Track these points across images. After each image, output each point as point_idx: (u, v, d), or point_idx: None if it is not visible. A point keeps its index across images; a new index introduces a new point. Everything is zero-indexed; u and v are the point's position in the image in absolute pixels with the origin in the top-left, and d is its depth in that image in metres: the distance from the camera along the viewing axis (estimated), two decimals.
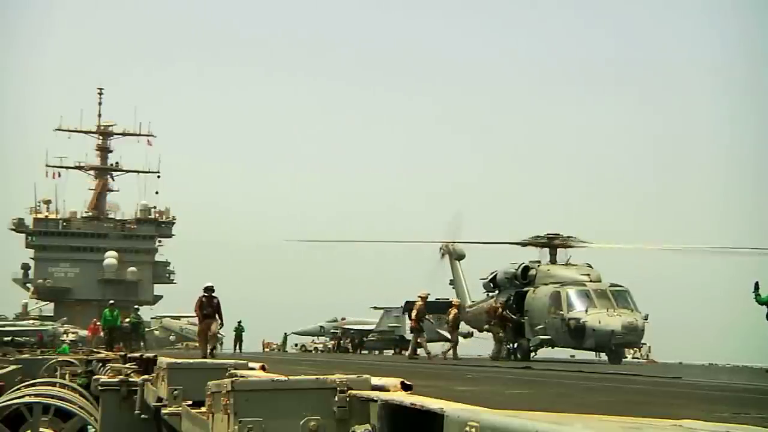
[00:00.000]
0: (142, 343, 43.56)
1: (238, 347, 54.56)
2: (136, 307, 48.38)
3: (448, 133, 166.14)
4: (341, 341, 67.78)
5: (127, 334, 44.59)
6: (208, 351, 23.11)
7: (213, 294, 23.41)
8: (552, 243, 32.65)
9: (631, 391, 8.65)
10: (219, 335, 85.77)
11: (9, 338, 59.30)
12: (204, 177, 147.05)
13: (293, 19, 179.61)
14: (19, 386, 16.36)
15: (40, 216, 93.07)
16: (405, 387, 3.74)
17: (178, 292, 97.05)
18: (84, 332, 64.24)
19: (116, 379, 10.99)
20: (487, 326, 31.48)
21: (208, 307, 23.31)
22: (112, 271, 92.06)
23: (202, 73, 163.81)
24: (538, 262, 32.72)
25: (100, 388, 11.23)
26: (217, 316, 23.37)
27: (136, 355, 14.07)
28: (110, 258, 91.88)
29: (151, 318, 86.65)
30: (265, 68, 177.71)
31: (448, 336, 60.28)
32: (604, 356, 29.88)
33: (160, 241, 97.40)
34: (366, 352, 59.98)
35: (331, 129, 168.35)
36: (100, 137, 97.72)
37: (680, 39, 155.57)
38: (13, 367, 20.60)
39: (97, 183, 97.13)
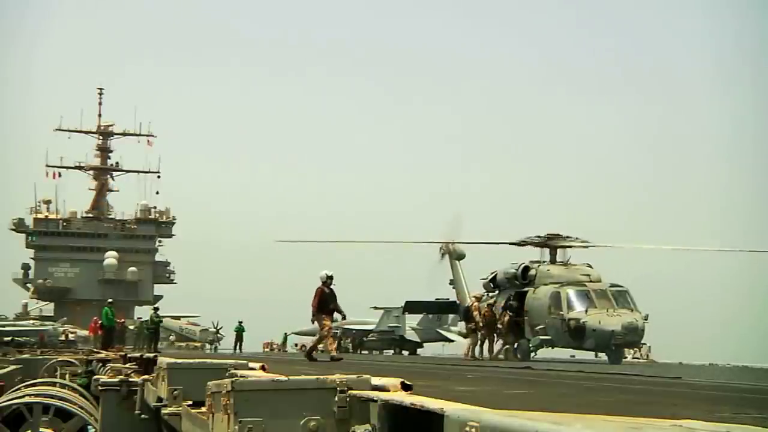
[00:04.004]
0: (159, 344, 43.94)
1: (238, 347, 54.62)
2: (156, 307, 48.34)
3: (448, 132, 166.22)
4: (341, 341, 67.77)
5: (122, 334, 44.81)
6: (314, 351, 20.82)
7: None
8: (552, 243, 32.65)
9: (631, 391, 8.64)
10: (220, 335, 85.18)
11: (9, 338, 59.24)
12: (204, 177, 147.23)
13: (293, 19, 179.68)
14: (19, 386, 16.34)
15: (40, 216, 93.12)
16: (405, 387, 3.74)
17: (178, 292, 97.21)
18: (84, 332, 64.27)
19: (116, 379, 10.97)
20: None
21: (334, 300, 20.42)
22: (112, 271, 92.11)
23: (202, 73, 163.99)
24: (538, 262, 32.72)
25: (100, 388, 11.21)
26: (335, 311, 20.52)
27: (136, 355, 14.08)
28: (110, 258, 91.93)
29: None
30: (265, 68, 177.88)
31: (448, 336, 60.35)
32: (603, 356, 29.89)
33: (160, 241, 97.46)
34: (366, 352, 59.98)
35: (331, 129, 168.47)
36: (100, 137, 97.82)
37: (681, 39, 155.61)
38: (13, 367, 20.56)
39: (97, 184, 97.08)
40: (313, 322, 21.23)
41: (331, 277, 20.34)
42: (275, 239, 47.44)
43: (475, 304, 31.12)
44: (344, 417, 3.84)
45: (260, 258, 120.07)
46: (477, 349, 30.72)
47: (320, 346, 23.47)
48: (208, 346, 78.94)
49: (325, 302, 20.14)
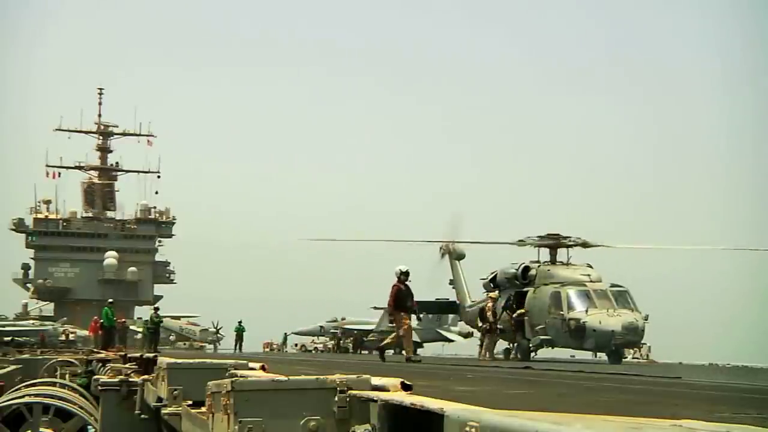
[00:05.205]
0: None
1: (238, 347, 54.70)
2: (156, 307, 48.26)
3: (448, 132, 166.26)
4: (341, 341, 67.76)
5: (123, 334, 44.84)
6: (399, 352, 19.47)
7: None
8: (552, 243, 32.63)
9: (631, 391, 8.64)
10: (220, 335, 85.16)
11: (9, 338, 59.24)
12: (204, 177, 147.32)
13: (293, 19, 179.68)
14: (19, 386, 16.33)
15: (40, 216, 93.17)
16: (405, 387, 3.74)
17: (178, 292, 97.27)
18: (84, 332, 64.27)
19: (116, 379, 10.96)
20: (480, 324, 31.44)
21: (411, 298, 19.06)
22: (112, 271, 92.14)
23: (202, 73, 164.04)
24: (538, 262, 32.70)
25: (100, 388, 11.20)
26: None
27: (136, 354, 14.07)
28: (110, 258, 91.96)
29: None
30: (265, 68, 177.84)
31: (448, 336, 60.32)
32: (603, 356, 29.88)
33: (160, 241, 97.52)
34: (366, 352, 59.96)
35: (331, 129, 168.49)
36: (100, 137, 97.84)
37: (681, 38, 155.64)
38: (13, 367, 20.57)
39: (83, 183, 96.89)
40: (391, 322, 19.95)
41: (406, 273, 19.17)
42: (298, 238, 47.57)
43: (489, 304, 30.84)
44: (344, 417, 3.84)
45: (260, 258, 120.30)
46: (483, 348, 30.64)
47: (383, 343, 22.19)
48: (209, 345, 79.03)
49: (402, 300, 19.03)
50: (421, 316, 59.28)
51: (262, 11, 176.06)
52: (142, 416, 9.41)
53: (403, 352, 19.63)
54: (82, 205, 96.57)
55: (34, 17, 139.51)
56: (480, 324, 31.24)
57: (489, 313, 30.25)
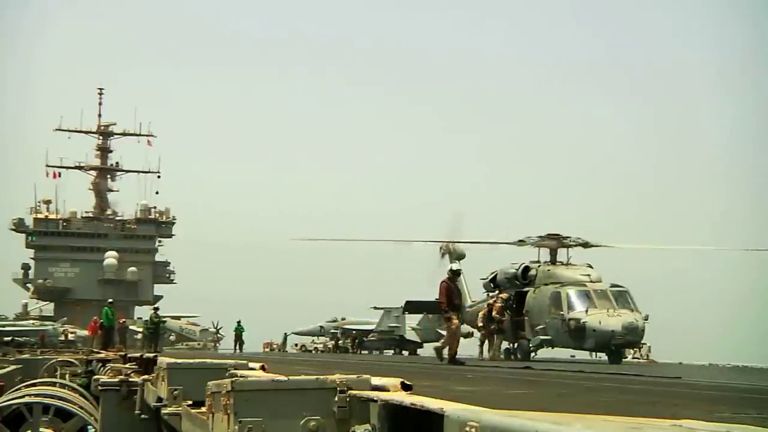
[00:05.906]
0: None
1: (238, 347, 54.69)
2: (156, 307, 48.21)
3: (448, 133, 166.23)
4: (341, 341, 67.76)
5: (123, 334, 44.86)
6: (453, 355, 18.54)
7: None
8: (552, 243, 32.62)
9: (631, 391, 8.64)
10: (220, 335, 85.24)
11: (9, 338, 59.22)
12: (204, 177, 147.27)
13: (294, 19, 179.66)
14: (19, 386, 16.33)
15: (40, 216, 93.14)
16: (405, 387, 3.74)
17: (178, 292, 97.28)
18: (84, 332, 64.27)
19: (116, 379, 10.96)
20: (481, 324, 31.41)
21: (459, 297, 19.12)
22: (112, 271, 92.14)
23: (202, 73, 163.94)
24: (539, 262, 32.69)
25: (100, 388, 11.19)
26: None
27: (136, 354, 14.07)
28: (110, 258, 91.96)
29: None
30: (265, 68, 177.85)
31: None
32: (603, 356, 29.87)
33: (160, 241, 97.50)
34: (366, 352, 59.96)
35: (331, 129, 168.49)
36: (100, 137, 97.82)
37: (681, 38, 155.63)
38: (13, 367, 20.58)
39: (96, 184, 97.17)
40: (448, 319, 19.45)
41: (457, 272, 19.36)
42: (291, 238, 47.37)
43: (498, 304, 30.71)
44: (344, 417, 3.84)
45: (260, 258, 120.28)
46: (485, 348, 30.69)
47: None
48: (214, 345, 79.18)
49: (451, 298, 19.04)
50: (421, 316, 59.78)
51: (261, 12, 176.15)
52: (142, 416, 9.41)
53: (445, 352, 19.34)
54: (93, 206, 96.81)
55: (34, 17, 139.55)
56: (480, 324, 31.25)
57: (495, 313, 30.26)
